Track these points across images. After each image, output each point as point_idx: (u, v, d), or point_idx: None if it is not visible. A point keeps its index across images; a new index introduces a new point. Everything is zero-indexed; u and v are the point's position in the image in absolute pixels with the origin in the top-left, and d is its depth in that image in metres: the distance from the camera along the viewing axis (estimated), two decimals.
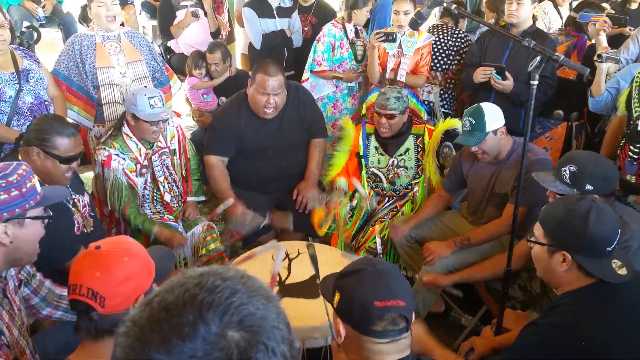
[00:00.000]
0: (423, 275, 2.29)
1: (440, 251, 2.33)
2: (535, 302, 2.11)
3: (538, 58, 1.56)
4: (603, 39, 2.66)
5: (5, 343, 1.32)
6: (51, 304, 1.66)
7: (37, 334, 1.71)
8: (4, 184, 1.33)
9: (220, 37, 4.13)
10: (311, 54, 3.53)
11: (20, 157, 1.97)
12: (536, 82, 1.60)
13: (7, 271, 1.46)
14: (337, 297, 1.22)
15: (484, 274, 2.22)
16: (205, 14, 3.96)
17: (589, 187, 1.74)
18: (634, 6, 3.59)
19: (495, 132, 2.25)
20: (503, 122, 2.29)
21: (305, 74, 3.60)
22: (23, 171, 1.39)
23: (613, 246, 1.39)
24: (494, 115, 2.25)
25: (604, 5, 3.55)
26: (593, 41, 3.07)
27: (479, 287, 2.39)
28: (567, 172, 1.77)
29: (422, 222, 2.56)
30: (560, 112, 3.09)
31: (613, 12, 2.99)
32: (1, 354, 1.28)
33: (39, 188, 1.42)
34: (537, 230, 1.48)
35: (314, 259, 1.87)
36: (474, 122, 2.25)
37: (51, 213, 1.45)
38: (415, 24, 1.81)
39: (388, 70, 3.27)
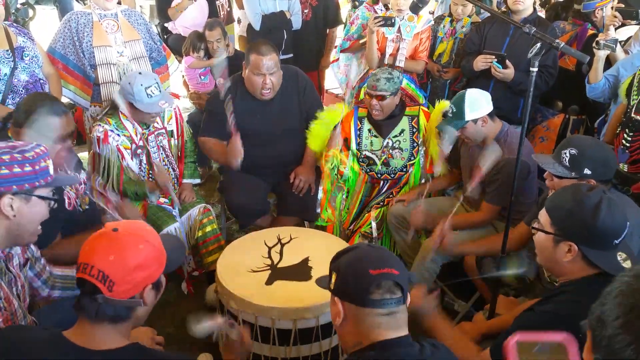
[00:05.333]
0: (434, 238, 2.29)
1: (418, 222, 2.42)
2: (529, 289, 2.14)
3: (538, 45, 1.55)
4: (612, 32, 2.63)
5: (4, 308, 1.33)
6: (49, 285, 1.67)
7: (32, 312, 1.71)
8: (19, 158, 1.36)
9: (219, 17, 4.08)
10: (342, 36, 3.62)
11: (10, 135, 1.96)
12: (536, 69, 1.59)
13: (13, 247, 1.47)
14: (333, 278, 1.24)
15: (480, 249, 2.27)
16: None
17: (587, 171, 1.74)
18: None
19: (475, 120, 2.27)
20: (487, 110, 2.29)
21: (335, 55, 3.73)
22: (40, 151, 1.42)
23: (620, 239, 1.38)
24: (475, 105, 2.26)
25: None
26: (595, 30, 3.05)
27: (472, 273, 2.41)
28: (567, 154, 1.77)
29: (430, 191, 2.62)
30: (560, 103, 3.08)
31: (622, 5, 2.93)
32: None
33: (51, 170, 1.44)
34: (543, 218, 1.46)
35: None
36: (454, 109, 2.29)
37: (57, 197, 1.46)
38: (416, 8, 1.80)
39: (387, 55, 3.24)
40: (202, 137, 2.75)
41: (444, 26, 3.41)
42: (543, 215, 1.47)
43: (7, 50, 2.46)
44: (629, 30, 3.15)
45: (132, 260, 1.15)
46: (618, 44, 2.65)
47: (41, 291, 1.67)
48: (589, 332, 0.82)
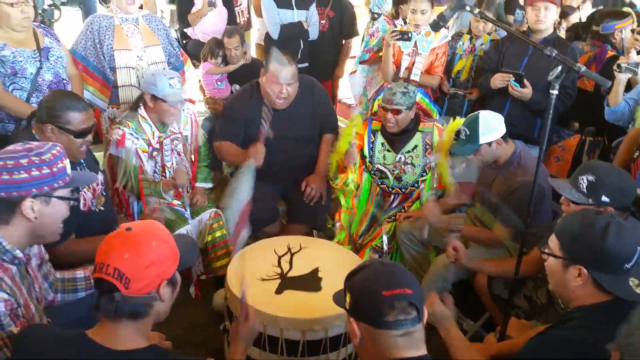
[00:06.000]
0: (451, 246, 2.23)
1: (430, 213, 2.38)
2: (540, 313, 2.11)
3: (559, 68, 1.54)
4: (634, 56, 2.62)
5: (22, 315, 1.35)
6: (53, 289, 1.69)
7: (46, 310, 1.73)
8: (37, 161, 1.39)
9: (239, 23, 4.13)
10: (361, 48, 3.70)
11: (34, 133, 1.99)
12: (556, 92, 1.59)
13: (30, 249, 1.49)
14: (348, 298, 1.24)
15: (493, 269, 2.23)
16: (223, 3, 3.97)
17: (605, 198, 1.72)
18: None
19: (489, 143, 2.25)
20: (501, 132, 2.27)
21: (354, 66, 3.79)
22: (57, 152, 1.44)
23: (632, 263, 1.36)
24: (489, 127, 2.24)
25: (626, 9, 3.50)
26: (615, 52, 3.04)
27: (482, 293, 2.39)
28: (585, 180, 1.74)
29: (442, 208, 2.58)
30: (576, 124, 3.07)
31: None
32: (17, 323, 1.31)
33: (69, 170, 1.47)
34: (553, 242, 1.45)
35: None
36: (468, 133, 2.25)
37: (77, 196, 1.48)
38: (437, 26, 1.80)
39: (402, 69, 3.26)
40: (218, 141, 2.77)
41: (462, 43, 3.42)
42: (553, 239, 1.46)
43: (35, 50, 2.51)
44: None
45: (146, 257, 1.17)
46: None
47: (46, 295, 1.67)
48: (615, 352, 0.81)
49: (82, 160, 2.11)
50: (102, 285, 1.17)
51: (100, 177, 2.24)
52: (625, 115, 2.66)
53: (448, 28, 3.49)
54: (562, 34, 3.89)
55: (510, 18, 5.33)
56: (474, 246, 2.40)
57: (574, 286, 1.39)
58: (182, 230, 2.50)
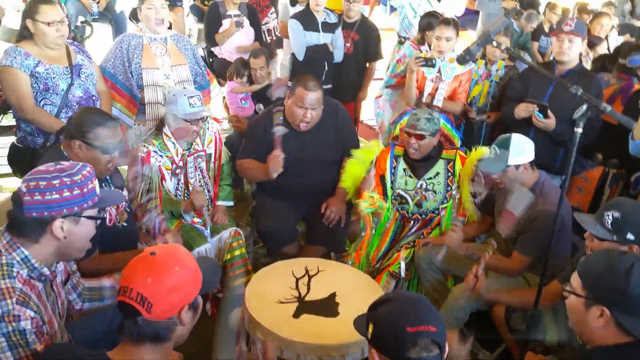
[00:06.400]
0: (471, 277, 2.21)
1: (451, 241, 2.37)
2: (558, 349, 2.07)
3: (584, 107, 1.55)
4: None
5: (47, 332, 1.38)
6: (82, 298, 1.73)
7: (66, 325, 1.77)
8: (68, 182, 1.42)
9: (267, 42, 4.22)
10: (387, 72, 3.83)
11: (62, 149, 2.04)
12: (580, 130, 1.59)
13: (56, 265, 1.53)
14: (370, 328, 1.25)
15: (512, 300, 2.21)
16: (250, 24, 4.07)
17: (630, 236, 1.70)
18: None
19: (517, 166, 2.26)
20: (530, 158, 2.28)
21: (380, 91, 3.90)
22: (87, 172, 1.48)
23: None
24: (520, 150, 2.25)
25: None
26: None
27: (499, 324, 2.36)
28: (610, 217, 1.73)
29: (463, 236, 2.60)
30: (600, 155, 3.04)
31: None
32: (42, 340, 1.34)
33: (98, 190, 1.51)
34: (575, 280, 1.44)
35: None
36: (498, 152, 2.27)
37: (104, 215, 1.52)
38: (463, 60, 1.82)
39: (425, 95, 3.28)
40: (240, 159, 2.81)
41: (478, 68, 3.43)
42: (575, 277, 1.44)
43: (67, 67, 2.60)
44: None
45: (168, 282, 1.19)
46: None
47: (75, 304, 1.72)
48: None
49: (108, 177, 2.15)
50: (126, 309, 1.19)
51: (125, 193, 2.28)
52: None
53: (475, 61, 3.51)
54: (588, 63, 3.88)
55: (535, 45, 5.35)
56: (491, 275, 2.38)
57: (596, 326, 1.37)
58: (201, 249, 2.53)
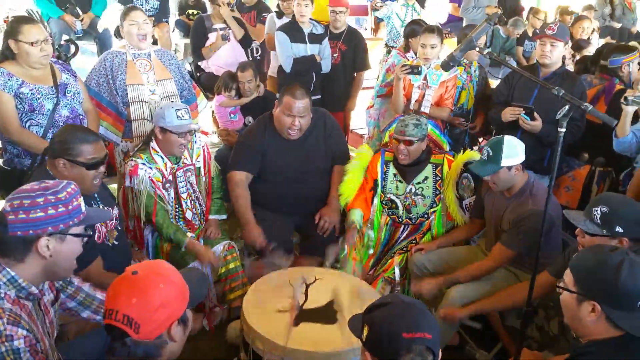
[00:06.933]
0: (440, 310, 2.29)
1: (424, 287, 2.38)
2: (552, 344, 2.09)
3: (567, 107, 1.58)
4: None
5: (41, 351, 1.36)
6: (90, 307, 1.70)
7: (60, 344, 1.74)
8: (53, 200, 1.40)
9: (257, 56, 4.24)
10: (378, 82, 3.87)
11: (47, 169, 2.02)
12: (564, 130, 1.62)
13: (43, 284, 1.51)
14: (365, 330, 1.24)
15: (501, 304, 2.23)
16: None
17: (619, 229, 1.74)
18: None
19: (509, 167, 2.29)
20: (522, 159, 2.31)
21: (371, 101, 3.92)
22: (72, 190, 1.46)
23: None
24: (512, 152, 2.28)
25: (633, 44, 3.56)
26: (623, 85, 3.08)
27: (495, 323, 2.37)
28: (599, 212, 1.77)
29: (450, 242, 2.63)
30: (586, 154, 3.09)
31: None
32: (37, 359, 1.32)
33: (83, 207, 1.49)
34: (567, 277, 1.47)
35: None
36: (491, 153, 2.30)
37: (91, 233, 1.50)
38: (447, 66, 1.85)
39: (412, 101, 3.31)
40: (231, 171, 2.79)
41: (460, 74, 3.49)
42: (567, 274, 1.47)
43: (52, 87, 2.56)
44: None
45: (154, 301, 1.18)
46: None
47: (80, 312, 1.69)
48: None
49: (96, 195, 2.13)
50: (114, 332, 1.18)
51: (115, 211, 2.27)
52: (633, 146, 2.68)
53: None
54: (571, 65, 3.95)
55: (520, 49, 5.45)
56: (466, 286, 2.37)
57: (588, 321, 1.40)
58: (197, 263, 2.51)
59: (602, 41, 5.72)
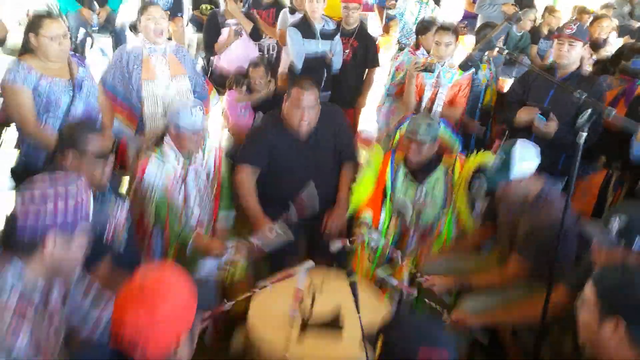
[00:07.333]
0: (451, 315, 2.24)
1: (436, 281, 2.33)
2: None
3: (589, 111, 1.53)
4: None
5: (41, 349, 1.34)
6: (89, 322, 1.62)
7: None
8: (63, 193, 1.37)
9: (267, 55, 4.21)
10: (388, 80, 3.84)
11: (60, 164, 2.00)
12: (585, 134, 1.57)
13: (53, 281, 1.47)
14: (379, 346, 1.22)
15: (514, 318, 2.16)
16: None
17: (639, 241, 1.65)
18: None
19: (523, 175, 2.23)
20: (535, 165, 2.24)
21: (381, 100, 3.90)
22: (81, 184, 1.44)
23: None
24: (524, 161, 2.21)
25: None
26: None
27: (506, 340, 2.32)
28: (617, 223, 1.69)
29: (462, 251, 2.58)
30: (603, 158, 3.02)
31: None
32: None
33: (91, 205, 1.45)
34: (589, 291, 1.38)
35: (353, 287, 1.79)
36: (504, 160, 2.23)
37: (99, 232, 1.47)
38: (466, 66, 1.81)
39: (425, 100, 3.27)
40: (239, 164, 2.76)
41: (484, 71, 3.42)
42: (589, 288, 1.39)
43: (69, 80, 2.58)
44: None
45: (161, 314, 1.14)
46: None
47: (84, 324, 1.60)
48: None
49: (106, 193, 2.12)
50: (122, 347, 1.15)
51: (126, 206, 2.23)
52: None
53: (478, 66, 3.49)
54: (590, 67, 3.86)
55: (535, 48, 5.34)
56: (476, 296, 2.32)
57: (609, 342, 1.32)
58: (203, 266, 2.49)
59: (621, 40, 5.59)
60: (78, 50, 3.48)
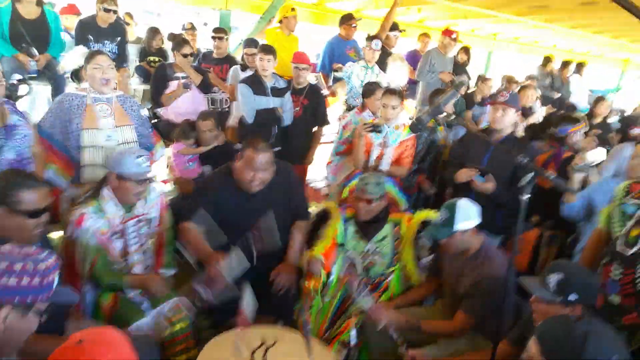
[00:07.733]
0: (408, 351, 2.21)
1: (385, 314, 2.33)
2: None
3: (530, 175, 1.63)
4: (589, 155, 2.84)
5: None
6: None
7: None
8: (31, 270, 1.29)
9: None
10: (336, 139, 3.96)
11: None
12: (527, 197, 1.66)
13: None
14: None
15: None
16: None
17: (573, 296, 1.75)
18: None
19: (464, 231, 2.32)
20: (476, 222, 2.34)
21: (330, 157, 3.99)
22: (53, 262, 1.36)
23: None
24: (466, 216, 2.32)
25: (577, 115, 3.83)
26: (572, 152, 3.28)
27: None
28: (554, 279, 1.79)
29: (407, 303, 2.58)
30: (536, 217, 3.20)
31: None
32: None
33: (55, 284, 1.36)
34: (534, 347, 1.46)
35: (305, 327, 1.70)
36: (446, 217, 2.32)
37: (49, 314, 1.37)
38: (415, 129, 1.90)
39: (372, 158, 3.37)
40: (184, 222, 2.66)
41: (441, 131, 3.58)
42: (533, 343, 1.47)
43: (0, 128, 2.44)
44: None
45: None
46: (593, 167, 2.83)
47: None
48: None
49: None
50: None
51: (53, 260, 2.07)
52: (581, 212, 2.80)
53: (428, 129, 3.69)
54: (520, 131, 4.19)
55: (469, 113, 5.73)
56: (433, 345, 2.35)
57: None
58: (140, 324, 2.33)
59: (544, 109, 6.14)
60: (12, 97, 3.29)
